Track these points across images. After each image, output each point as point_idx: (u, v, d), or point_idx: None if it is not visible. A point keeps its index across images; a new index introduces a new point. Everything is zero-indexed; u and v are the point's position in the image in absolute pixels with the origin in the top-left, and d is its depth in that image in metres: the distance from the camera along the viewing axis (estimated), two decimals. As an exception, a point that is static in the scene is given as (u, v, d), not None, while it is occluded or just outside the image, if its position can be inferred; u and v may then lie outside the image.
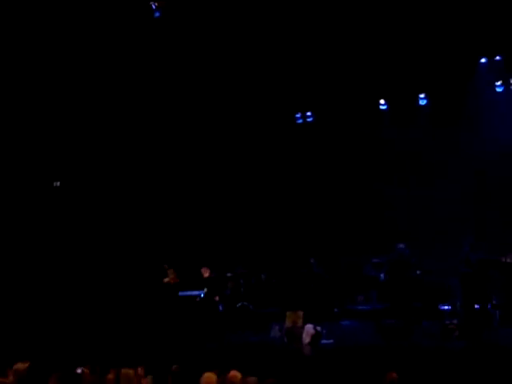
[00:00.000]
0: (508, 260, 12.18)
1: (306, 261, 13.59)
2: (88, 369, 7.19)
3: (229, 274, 14.21)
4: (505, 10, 12.31)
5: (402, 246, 12.06)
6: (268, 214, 15.51)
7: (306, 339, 11.11)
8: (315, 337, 11.03)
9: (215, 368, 7.06)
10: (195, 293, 13.78)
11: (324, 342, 11.08)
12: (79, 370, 6.96)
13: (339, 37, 13.25)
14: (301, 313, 11.48)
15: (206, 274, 13.84)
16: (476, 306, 11.65)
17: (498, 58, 13.73)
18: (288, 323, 11.50)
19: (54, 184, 14.78)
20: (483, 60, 13.89)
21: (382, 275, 14.02)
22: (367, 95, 14.69)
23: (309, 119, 15.77)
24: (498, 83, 13.93)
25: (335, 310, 13.39)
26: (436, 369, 8.63)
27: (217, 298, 13.87)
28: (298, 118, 15.85)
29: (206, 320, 13.06)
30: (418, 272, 12.37)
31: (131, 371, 7.12)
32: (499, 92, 13.98)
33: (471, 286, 11.66)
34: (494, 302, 11.81)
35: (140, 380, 7.16)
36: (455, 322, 10.93)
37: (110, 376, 7.05)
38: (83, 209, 14.59)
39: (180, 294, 13.75)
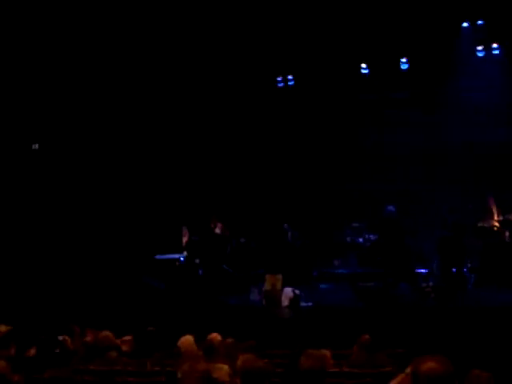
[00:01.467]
0: (485, 225, 12.36)
1: (279, 227, 13.65)
2: (68, 334, 7.21)
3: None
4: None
5: (391, 208, 12.09)
6: (247, 178, 15.49)
7: (285, 302, 11.25)
8: (294, 300, 11.16)
9: (194, 331, 7.15)
10: (175, 256, 13.83)
11: (303, 304, 11.22)
12: (60, 338, 6.99)
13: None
14: (280, 276, 11.56)
15: (186, 238, 13.87)
16: (452, 270, 11.83)
17: (480, 22, 13.67)
18: (267, 286, 11.58)
19: (33, 147, 14.62)
20: (465, 24, 13.82)
21: (361, 239, 14.18)
22: (349, 59, 14.60)
23: (290, 83, 15.68)
24: (480, 48, 13.90)
25: (314, 273, 13.53)
26: (410, 330, 8.80)
27: (197, 262, 13.94)
28: (280, 82, 15.76)
29: (185, 283, 13.14)
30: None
31: (109, 333, 7.19)
32: (480, 57, 13.96)
33: (448, 250, 11.81)
34: (469, 265, 12.01)
35: (119, 341, 7.24)
36: (431, 284, 11.12)
37: (88, 338, 7.10)
38: (63, 172, 14.44)
39: (160, 257, 13.79)
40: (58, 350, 6.78)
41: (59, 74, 13.89)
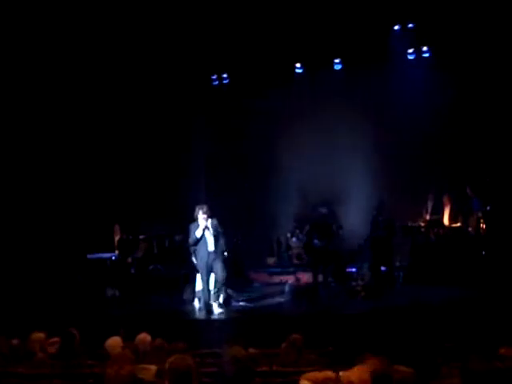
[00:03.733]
0: (413, 224, 12.64)
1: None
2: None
3: (141, 237, 14.10)
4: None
5: (324, 210, 12.19)
6: (183, 177, 15.41)
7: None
8: (226, 299, 11.16)
9: (123, 331, 7.07)
10: (107, 255, 13.63)
11: (234, 304, 11.22)
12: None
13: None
14: (212, 275, 11.55)
15: (117, 237, 13.70)
16: (382, 268, 12.05)
17: (410, 25, 13.95)
18: (199, 286, 11.55)
19: None
20: (396, 27, 14.08)
21: (294, 239, 14.31)
22: (284, 58, 14.69)
23: (225, 81, 15.68)
24: (410, 51, 14.19)
25: (247, 272, 13.56)
26: (340, 329, 8.92)
27: (129, 260, 13.77)
28: (214, 80, 15.74)
29: (117, 282, 12.98)
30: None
31: (41, 334, 7.05)
32: (410, 59, 14.25)
33: (378, 249, 12.03)
34: (398, 264, 12.27)
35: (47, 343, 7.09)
36: (361, 283, 11.31)
37: (15, 341, 6.93)
38: None
39: (91, 256, 13.57)
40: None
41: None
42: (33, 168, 13.91)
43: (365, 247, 12.44)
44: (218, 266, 10.60)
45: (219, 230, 10.59)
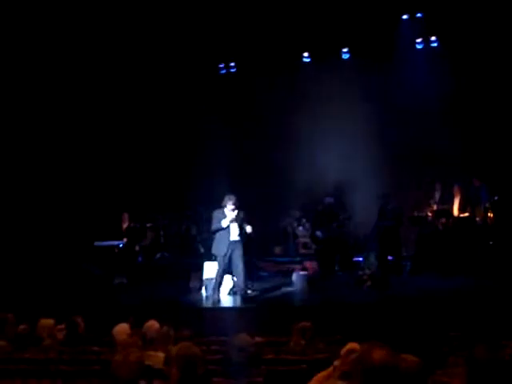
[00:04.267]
0: (420, 214, 12.63)
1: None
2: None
3: (148, 225, 14.16)
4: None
5: (330, 199, 12.17)
6: (191, 165, 15.41)
7: (225, 290, 11.27)
8: (233, 287, 11.19)
9: (130, 318, 7.11)
10: (115, 243, 13.69)
11: (242, 292, 11.22)
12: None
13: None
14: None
15: (125, 225, 13.75)
16: (388, 258, 12.07)
17: (419, 15, 13.89)
18: (207, 274, 11.59)
19: None
20: (405, 16, 14.02)
21: (300, 228, 14.30)
22: (291, 47, 14.64)
23: (232, 70, 15.66)
24: (419, 40, 14.13)
25: (254, 260, 13.57)
26: (348, 317, 8.95)
27: (137, 248, 13.83)
28: (222, 69, 15.72)
29: (125, 270, 13.03)
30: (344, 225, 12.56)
31: (50, 320, 7.09)
32: (419, 49, 14.19)
33: (385, 239, 12.03)
34: (405, 253, 12.26)
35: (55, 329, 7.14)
36: (368, 272, 11.32)
37: (22, 327, 6.98)
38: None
39: (99, 244, 13.63)
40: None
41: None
42: (42, 156, 13.96)
43: (371, 236, 12.43)
44: (238, 255, 10.48)
45: (245, 222, 10.46)
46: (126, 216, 13.93)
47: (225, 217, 10.34)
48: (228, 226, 10.35)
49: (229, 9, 13.42)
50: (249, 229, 10.43)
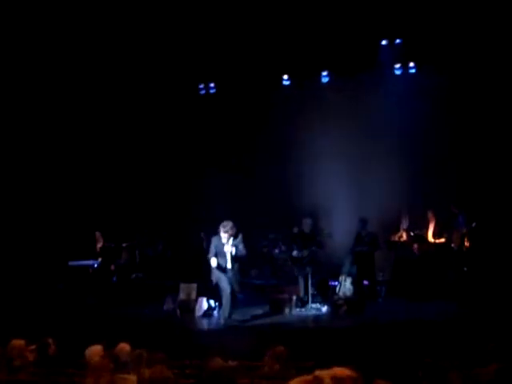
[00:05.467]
0: (396, 239, 12.69)
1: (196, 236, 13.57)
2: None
3: (124, 245, 14.04)
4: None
5: (309, 221, 12.17)
6: (166, 185, 15.37)
7: (199, 312, 11.19)
8: (208, 310, 11.12)
9: (103, 340, 6.99)
10: (89, 262, 13.55)
11: (216, 315, 11.16)
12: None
13: (244, 9, 13.14)
14: (194, 285, 11.51)
15: (100, 244, 13.62)
16: (365, 283, 12.06)
17: (398, 41, 14.02)
18: (182, 296, 11.51)
19: None
20: (384, 42, 14.15)
21: (276, 250, 14.27)
22: (271, 70, 14.70)
23: (212, 90, 15.68)
24: (397, 66, 14.25)
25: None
26: (322, 342, 8.90)
27: (112, 268, 13.69)
28: (201, 89, 15.74)
29: (98, 290, 12.88)
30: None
31: (21, 341, 6.94)
32: (397, 75, 14.32)
33: (361, 264, 12.05)
34: (380, 278, 12.27)
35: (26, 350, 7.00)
36: (343, 297, 11.30)
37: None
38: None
39: (74, 263, 13.47)
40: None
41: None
42: (15, 175, 13.82)
43: (346, 261, 12.41)
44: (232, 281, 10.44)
45: (240, 248, 10.36)
46: (98, 235, 13.79)
47: (221, 243, 10.27)
48: (223, 253, 10.28)
49: (211, 29, 13.45)
50: (233, 251, 10.36)
